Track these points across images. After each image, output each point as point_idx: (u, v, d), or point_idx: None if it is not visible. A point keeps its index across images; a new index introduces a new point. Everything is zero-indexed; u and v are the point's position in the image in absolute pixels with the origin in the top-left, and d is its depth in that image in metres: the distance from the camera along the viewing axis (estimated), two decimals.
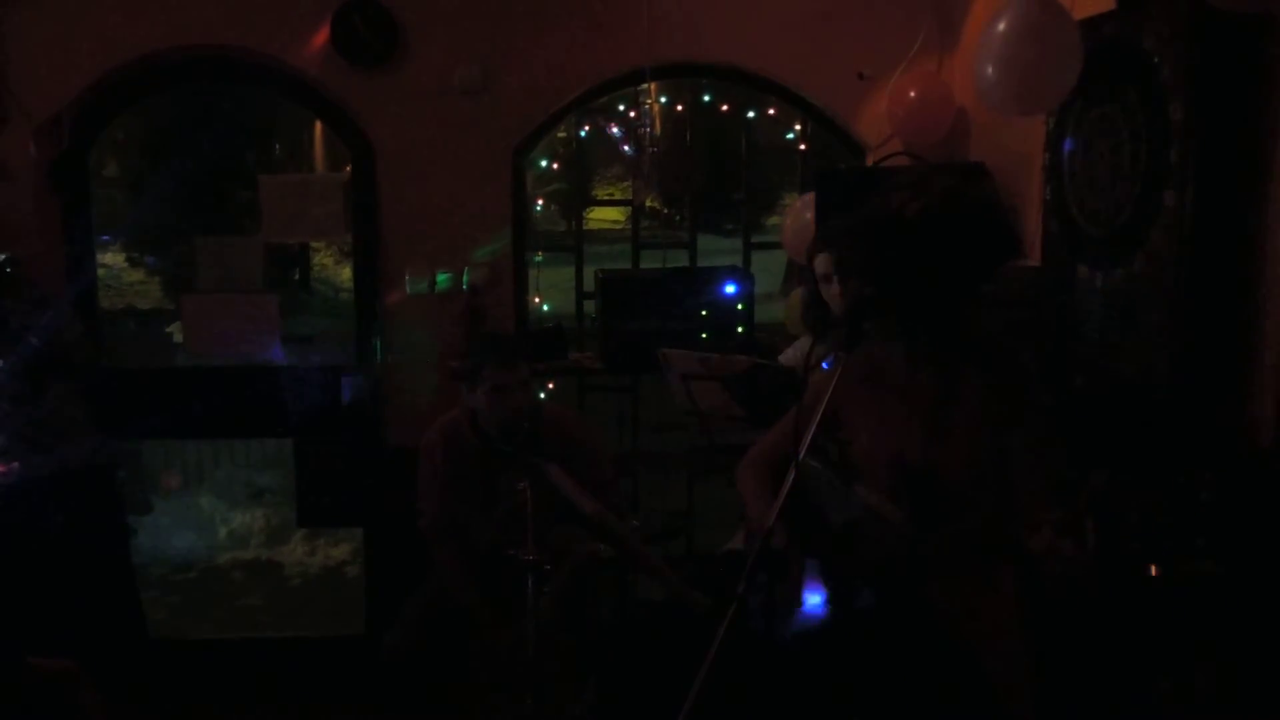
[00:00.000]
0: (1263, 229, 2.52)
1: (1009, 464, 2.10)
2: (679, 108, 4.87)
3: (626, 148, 4.95)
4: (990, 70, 2.88)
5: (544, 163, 4.70)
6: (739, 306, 4.28)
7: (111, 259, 12.66)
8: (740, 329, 4.28)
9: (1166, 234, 2.67)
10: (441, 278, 4.27)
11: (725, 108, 4.65)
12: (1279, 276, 2.47)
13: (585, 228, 4.92)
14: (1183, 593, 2.13)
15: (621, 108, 4.63)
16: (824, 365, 2.81)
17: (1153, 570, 1.80)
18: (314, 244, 12.62)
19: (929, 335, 2.16)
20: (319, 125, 11.32)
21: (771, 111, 4.57)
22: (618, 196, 14.43)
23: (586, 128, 4.75)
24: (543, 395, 4.24)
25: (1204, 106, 2.57)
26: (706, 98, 4.67)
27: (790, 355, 3.65)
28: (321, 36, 4.13)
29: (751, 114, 4.63)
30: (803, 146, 4.72)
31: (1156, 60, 2.69)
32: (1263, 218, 2.52)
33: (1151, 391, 2.72)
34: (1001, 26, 2.82)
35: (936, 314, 2.13)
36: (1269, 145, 2.50)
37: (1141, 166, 2.77)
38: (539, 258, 4.72)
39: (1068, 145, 3.14)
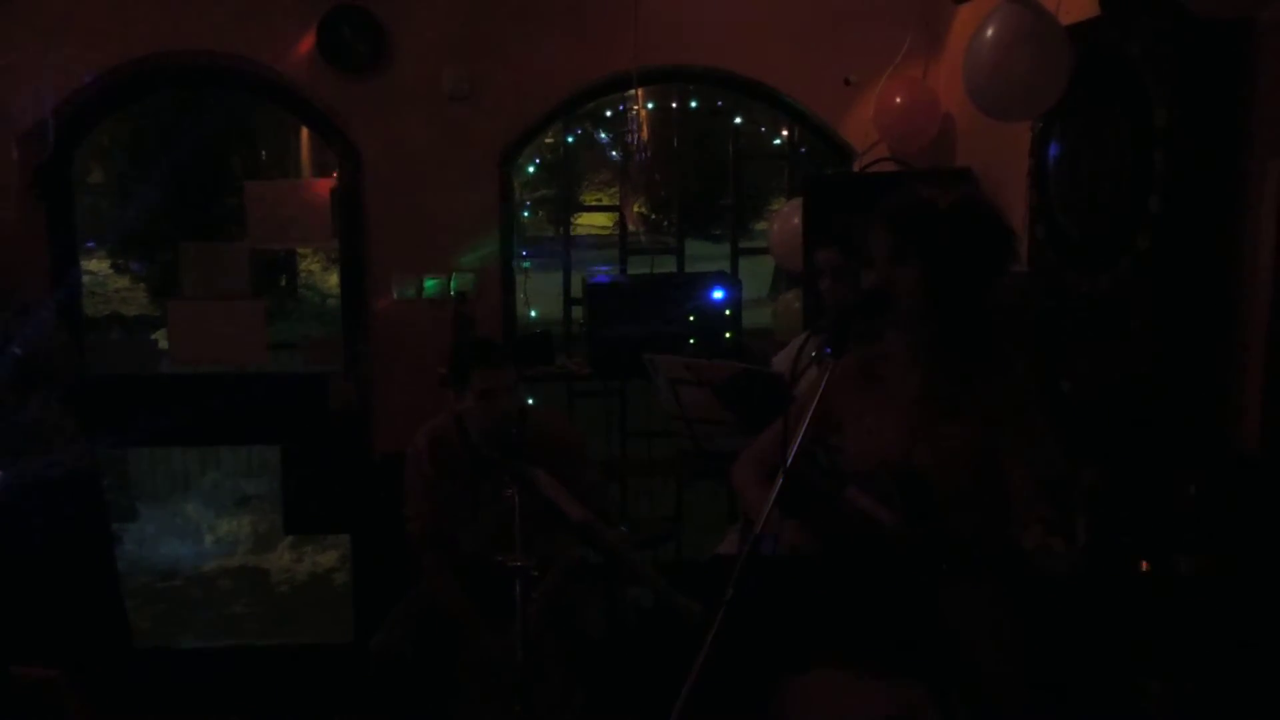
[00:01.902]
0: (1246, 233, 2.53)
1: (1003, 466, 2.10)
2: (666, 113, 4.88)
3: (614, 153, 4.96)
4: (981, 76, 2.89)
5: (531, 169, 4.70)
6: (727, 312, 4.28)
7: (96, 265, 12.60)
8: (728, 334, 4.29)
9: (1151, 239, 2.68)
10: (429, 284, 4.26)
11: (713, 113, 4.67)
12: (1263, 280, 2.48)
13: (573, 233, 4.92)
14: (1171, 591, 2.14)
15: (609, 114, 4.64)
16: (826, 350, 2.79)
17: (1144, 566, 1.80)
18: (301, 250, 12.57)
19: (925, 336, 2.16)
20: (305, 131, 11.29)
21: (762, 126, 4.59)
22: (605, 202, 14.46)
23: (576, 133, 4.75)
24: (530, 401, 4.23)
25: (1187, 112, 2.58)
26: (694, 103, 4.68)
27: (781, 359, 3.65)
28: (308, 43, 4.12)
29: (739, 119, 4.65)
30: (804, 150, 4.72)
31: (1141, 66, 2.71)
32: (1246, 222, 2.53)
33: (1138, 395, 2.73)
34: (991, 32, 2.83)
35: (940, 314, 2.13)
36: (1251, 150, 2.52)
37: (1126, 172, 2.78)
38: (526, 264, 4.72)
39: (1053, 150, 3.15)
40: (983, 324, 2.18)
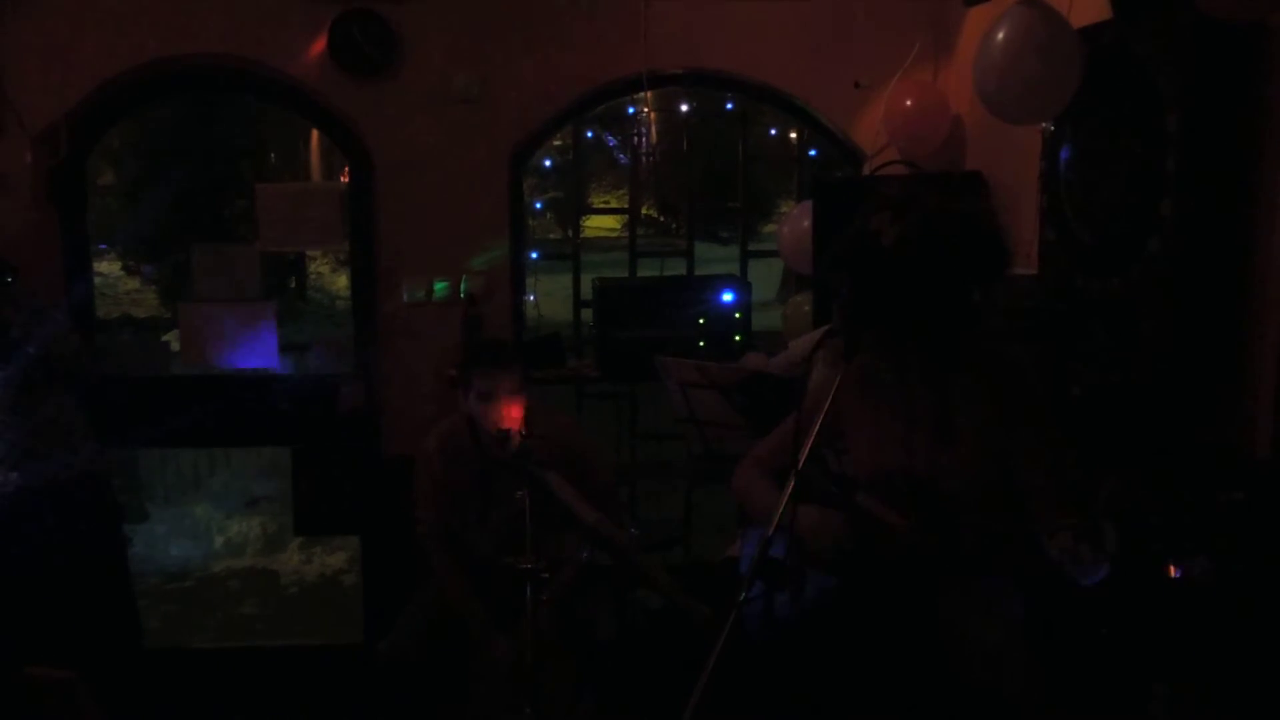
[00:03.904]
0: (1258, 237, 2.53)
1: (1014, 470, 2.10)
2: (676, 116, 4.89)
3: (623, 156, 4.97)
4: (991, 79, 2.89)
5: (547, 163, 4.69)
6: (736, 314, 4.29)
7: (108, 267, 12.65)
8: (738, 337, 4.29)
9: (1163, 243, 2.68)
10: (439, 286, 4.27)
11: (722, 116, 4.67)
12: (1275, 284, 2.48)
13: (582, 236, 4.92)
14: (1192, 598, 2.14)
15: (619, 117, 4.65)
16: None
17: (1171, 572, 1.79)
18: (310, 252, 12.60)
19: (925, 345, 2.16)
20: (316, 134, 11.32)
21: (772, 129, 4.59)
22: (614, 205, 14.46)
23: (586, 134, 4.76)
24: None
25: (1200, 116, 2.58)
26: (704, 106, 4.68)
27: (780, 362, 3.64)
28: (319, 46, 4.13)
29: (748, 122, 4.65)
30: (814, 153, 4.73)
31: (1153, 70, 2.70)
32: (1258, 226, 2.53)
33: (1149, 400, 2.72)
34: (1002, 35, 2.83)
35: (929, 326, 2.12)
36: (1264, 155, 2.51)
37: (1138, 175, 2.78)
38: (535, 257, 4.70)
39: (1064, 154, 3.15)
40: (974, 330, 2.16)
